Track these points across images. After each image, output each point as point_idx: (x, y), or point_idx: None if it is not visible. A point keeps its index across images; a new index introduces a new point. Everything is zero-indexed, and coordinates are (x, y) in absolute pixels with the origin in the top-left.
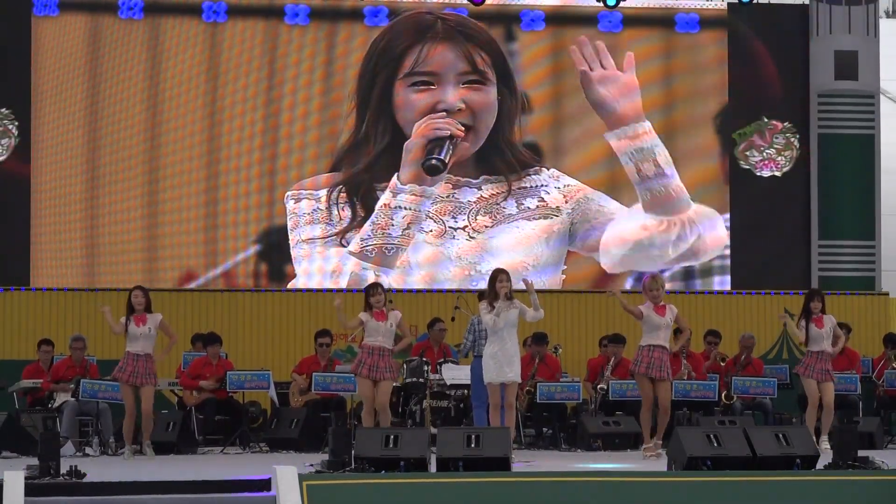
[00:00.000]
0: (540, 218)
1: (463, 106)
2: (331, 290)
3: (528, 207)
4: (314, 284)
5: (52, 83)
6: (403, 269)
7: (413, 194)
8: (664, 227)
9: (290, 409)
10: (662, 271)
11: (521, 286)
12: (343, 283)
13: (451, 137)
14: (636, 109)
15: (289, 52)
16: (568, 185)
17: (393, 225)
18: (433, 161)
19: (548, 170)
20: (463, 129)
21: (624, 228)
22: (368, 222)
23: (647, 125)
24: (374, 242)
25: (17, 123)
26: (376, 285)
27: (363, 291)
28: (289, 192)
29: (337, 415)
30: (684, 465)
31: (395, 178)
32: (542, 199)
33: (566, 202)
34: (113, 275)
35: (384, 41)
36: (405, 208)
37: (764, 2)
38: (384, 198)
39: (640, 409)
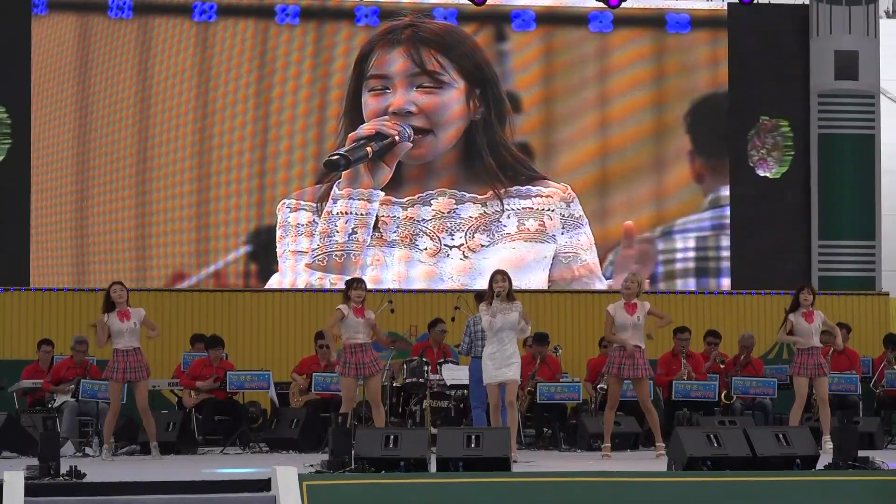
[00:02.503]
0: (536, 242)
1: (414, 108)
2: (331, 291)
3: (528, 229)
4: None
5: (42, 83)
6: (377, 267)
7: (349, 198)
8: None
9: (290, 410)
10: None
11: (524, 286)
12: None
13: (381, 136)
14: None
15: (280, 53)
16: (573, 215)
17: (337, 231)
18: (335, 157)
19: (563, 192)
20: (402, 130)
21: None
22: (318, 233)
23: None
24: (323, 251)
25: (9, 123)
26: (360, 280)
27: (344, 286)
28: (285, 201)
29: (337, 415)
30: (684, 466)
31: (335, 185)
32: (543, 223)
33: (563, 233)
34: (103, 274)
35: (363, 46)
36: (343, 213)
37: (764, 2)
38: (328, 205)
39: (639, 410)
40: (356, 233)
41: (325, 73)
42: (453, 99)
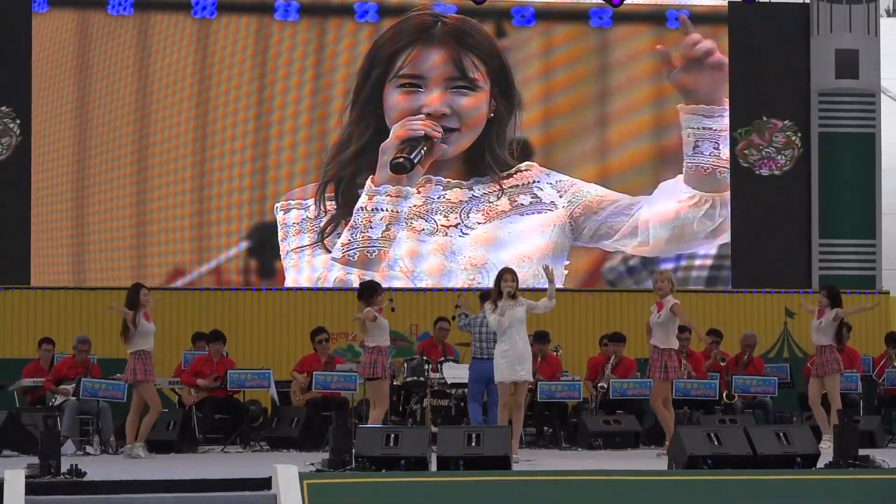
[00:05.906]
0: (534, 213)
1: (448, 111)
2: (331, 290)
3: (522, 204)
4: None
5: (42, 81)
6: (388, 263)
7: (388, 195)
8: (695, 201)
9: (291, 408)
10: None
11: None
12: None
13: (427, 138)
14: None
15: (279, 49)
16: (560, 181)
17: (372, 227)
18: (400, 159)
19: (539, 167)
20: (440, 131)
21: (662, 206)
22: (348, 228)
23: (725, 114)
24: (357, 247)
25: (18, 122)
26: (380, 284)
27: (357, 289)
28: (278, 204)
29: (338, 413)
30: (685, 464)
31: (369, 180)
32: (536, 195)
33: (560, 196)
34: (104, 272)
35: (384, 40)
36: (382, 209)
37: (765, 0)
38: (361, 201)
39: (639, 408)
40: (389, 230)
41: (325, 70)
42: (482, 100)
